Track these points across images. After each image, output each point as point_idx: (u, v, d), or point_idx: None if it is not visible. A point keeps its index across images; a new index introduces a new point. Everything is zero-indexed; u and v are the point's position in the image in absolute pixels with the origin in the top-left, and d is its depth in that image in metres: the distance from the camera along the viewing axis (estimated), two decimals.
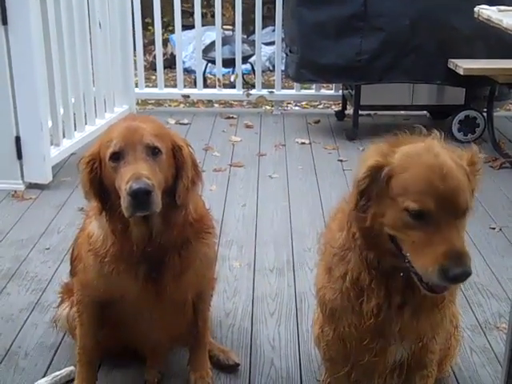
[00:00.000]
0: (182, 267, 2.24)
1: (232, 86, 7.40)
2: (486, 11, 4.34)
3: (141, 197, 1.96)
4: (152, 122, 2.16)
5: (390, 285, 1.85)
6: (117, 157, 2.05)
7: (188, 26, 7.92)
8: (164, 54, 6.90)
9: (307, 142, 5.57)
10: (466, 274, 1.64)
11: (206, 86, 7.29)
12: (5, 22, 4.08)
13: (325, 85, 6.62)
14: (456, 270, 1.62)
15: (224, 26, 7.00)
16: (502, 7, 4.40)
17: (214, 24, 6.63)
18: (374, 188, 1.74)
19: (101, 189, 2.12)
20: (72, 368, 2.56)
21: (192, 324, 2.51)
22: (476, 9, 4.48)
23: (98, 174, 2.11)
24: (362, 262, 1.84)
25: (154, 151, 2.06)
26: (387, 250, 1.77)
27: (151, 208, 2.01)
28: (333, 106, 7.08)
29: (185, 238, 2.23)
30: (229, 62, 7.25)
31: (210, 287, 2.59)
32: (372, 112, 6.18)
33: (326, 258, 1.99)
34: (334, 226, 1.97)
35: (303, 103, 7.36)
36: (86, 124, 5.12)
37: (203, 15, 6.66)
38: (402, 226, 1.69)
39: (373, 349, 1.96)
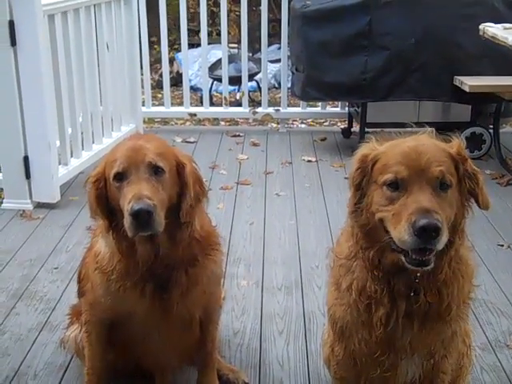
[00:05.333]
0: (190, 284, 2.25)
1: (238, 103, 7.43)
2: (491, 29, 4.38)
3: (142, 217, 1.98)
4: (156, 141, 2.18)
5: (393, 289, 1.87)
6: (120, 177, 2.08)
7: (193, 45, 7.98)
8: (170, 73, 6.93)
9: (314, 159, 5.58)
10: (431, 225, 1.67)
11: (211, 103, 7.32)
12: (14, 43, 4.13)
13: (331, 102, 6.64)
14: (421, 221, 1.67)
15: (229, 44, 7.03)
16: (507, 25, 4.43)
17: (219, 42, 6.67)
18: (364, 180, 1.85)
19: (107, 207, 2.14)
20: None
21: (200, 343, 2.50)
22: (481, 26, 4.52)
23: (104, 193, 2.13)
24: (365, 264, 1.88)
25: (156, 170, 2.08)
26: (386, 246, 1.81)
27: (153, 228, 2.03)
28: (339, 124, 7.09)
29: (191, 255, 2.24)
30: (234, 80, 7.28)
31: (217, 305, 2.58)
32: (378, 129, 6.19)
33: (334, 273, 2.03)
34: (343, 239, 2.01)
35: (309, 121, 7.38)
36: (93, 143, 5.14)
37: (209, 33, 6.70)
38: (384, 203, 1.77)
39: (384, 362, 1.97)
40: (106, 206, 2.14)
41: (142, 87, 6.33)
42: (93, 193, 2.14)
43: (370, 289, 1.89)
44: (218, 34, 7.19)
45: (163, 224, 2.05)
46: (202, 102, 6.84)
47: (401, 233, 1.71)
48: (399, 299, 1.88)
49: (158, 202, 2.03)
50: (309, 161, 5.55)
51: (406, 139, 1.86)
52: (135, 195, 2.00)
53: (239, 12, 6.56)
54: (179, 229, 2.16)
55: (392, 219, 1.74)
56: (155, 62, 8.43)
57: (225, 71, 6.53)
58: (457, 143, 1.85)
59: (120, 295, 2.23)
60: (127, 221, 2.01)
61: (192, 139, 6.13)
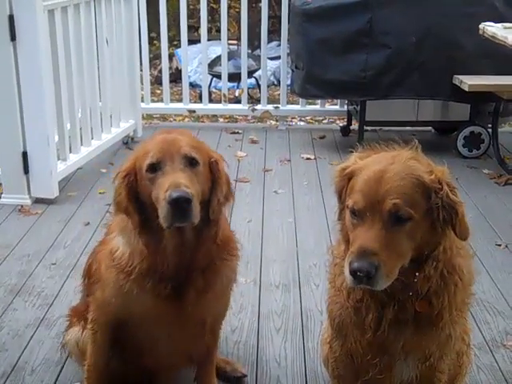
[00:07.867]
0: (205, 288, 2.20)
1: (237, 100, 7.42)
2: (490, 28, 4.38)
3: (180, 205, 1.93)
4: (188, 135, 2.17)
5: (377, 295, 1.87)
6: (154, 168, 2.04)
7: (193, 41, 7.97)
8: (169, 69, 6.92)
9: (312, 157, 5.58)
10: (361, 269, 1.66)
11: (210, 100, 7.31)
12: (13, 38, 4.12)
13: (330, 100, 6.63)
14: (354, 264, 1.68)
15: (229, 41, 7.04)
16: (507, 24, 4.44)
17: (218, 39, 6.66)
18: (343, 192, 1.85)
19: (136, 203, 2.10)
20: None
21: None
22: (481, 26, 4.52)
23: (134, 188, 2.10)
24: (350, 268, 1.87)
25: (191, 162, 2.05)
26: None
27: (190, 218, 1.98)
28: (337, 121, 7.09)
29: (209, 258, 2.20)
30: (234, 77, 7.28)
31: (226, 308, 2.53)
32: (377, 128, 6.19)
33: (331, 270, 2.03)
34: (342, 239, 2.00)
35: (308, 118, 7.38)
36: (92, 139, 5.13)
37: (208, 30, 6.71)
38: (350, 226, 1.77)
39: (376, 365, 1.97)
40: (135, 201, 2.09)
41: (142, 83, 6.31)
42: (124, 188, 2.09)
43: (356, 293, 1.89)
44: (218, 31, 7.17)
45: (199, 216, 2.00)
46: (200, 99, 6.84)
47: (346, 268, 1.72)
48: (386, 306, 1.87)
49: (195, 192, 1.99)
50: (307, 158, 5.55)
51: (385, 156, 1.81)
52: (173, 183, 1.96)
53: (239, 8, 6.55)
54: (206, 227, 2.12)
55: (350, 247, 1.75)
56: (154, 58, 8.43)
57: (224, 68, 6.52)
58: (440, 170, 1.78)
59: (135, 295, 2.17)
60: (163, 210, 1.96)
61: None
